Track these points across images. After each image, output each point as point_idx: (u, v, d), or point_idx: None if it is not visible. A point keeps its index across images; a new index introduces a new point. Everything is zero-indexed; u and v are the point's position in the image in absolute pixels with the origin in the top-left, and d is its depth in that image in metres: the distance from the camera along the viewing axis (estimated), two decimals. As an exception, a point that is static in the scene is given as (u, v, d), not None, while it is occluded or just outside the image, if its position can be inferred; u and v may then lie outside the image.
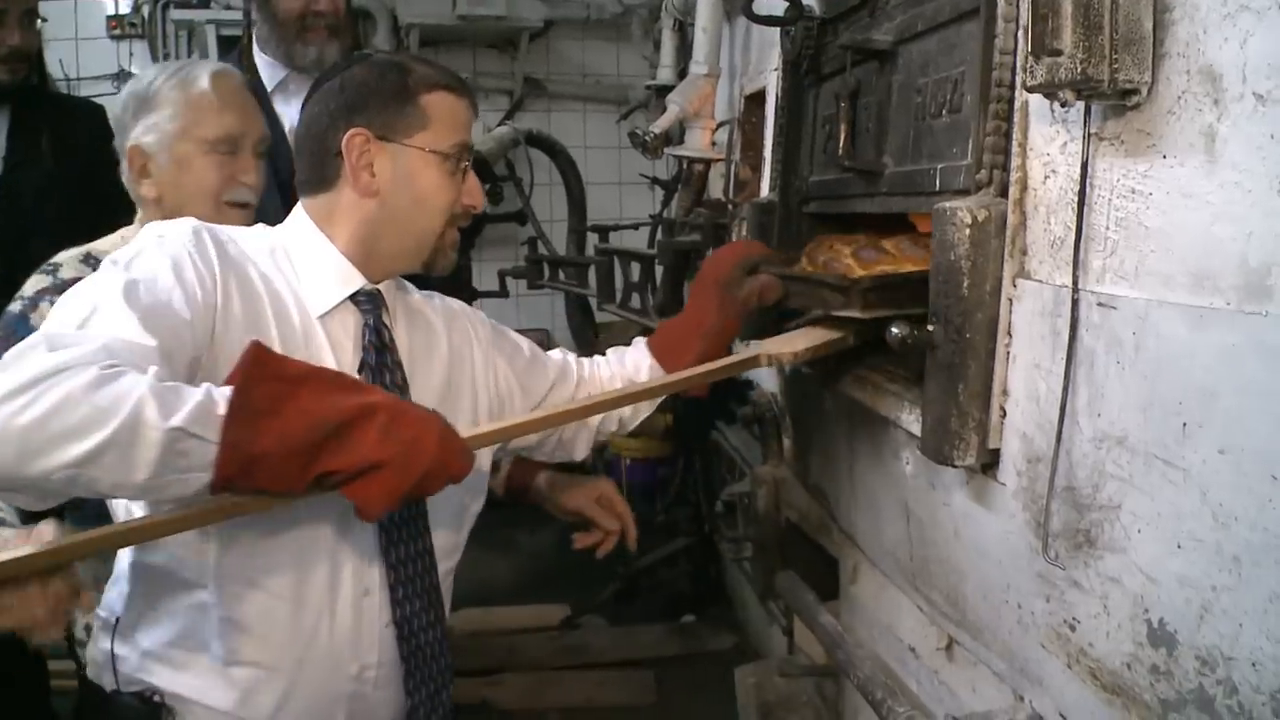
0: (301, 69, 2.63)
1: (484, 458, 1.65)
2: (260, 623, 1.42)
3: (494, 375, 1.73)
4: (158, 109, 1.85)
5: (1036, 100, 1.28)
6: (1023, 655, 1.40)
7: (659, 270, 3.10)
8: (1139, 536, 1.13)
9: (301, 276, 1.48)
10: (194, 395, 1.14)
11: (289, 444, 1.16)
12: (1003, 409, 1.37)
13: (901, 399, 1.67)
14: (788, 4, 2.13)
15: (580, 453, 1.88)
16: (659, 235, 3.57)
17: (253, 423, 1.14)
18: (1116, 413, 1.15)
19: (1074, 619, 1.26)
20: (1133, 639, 1.15)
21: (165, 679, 1.43)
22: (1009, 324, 1.35)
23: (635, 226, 3.92)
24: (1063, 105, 1.19)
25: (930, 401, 1.41)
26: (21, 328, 1.74)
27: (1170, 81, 1.07)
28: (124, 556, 1.47)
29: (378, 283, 1.54)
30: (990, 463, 1.40)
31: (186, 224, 1.41)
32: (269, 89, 2.65)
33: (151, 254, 1.33)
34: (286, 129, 2.62)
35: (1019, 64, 1.33)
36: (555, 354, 1.91)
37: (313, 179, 1.53)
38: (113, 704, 1.45)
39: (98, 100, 3.05)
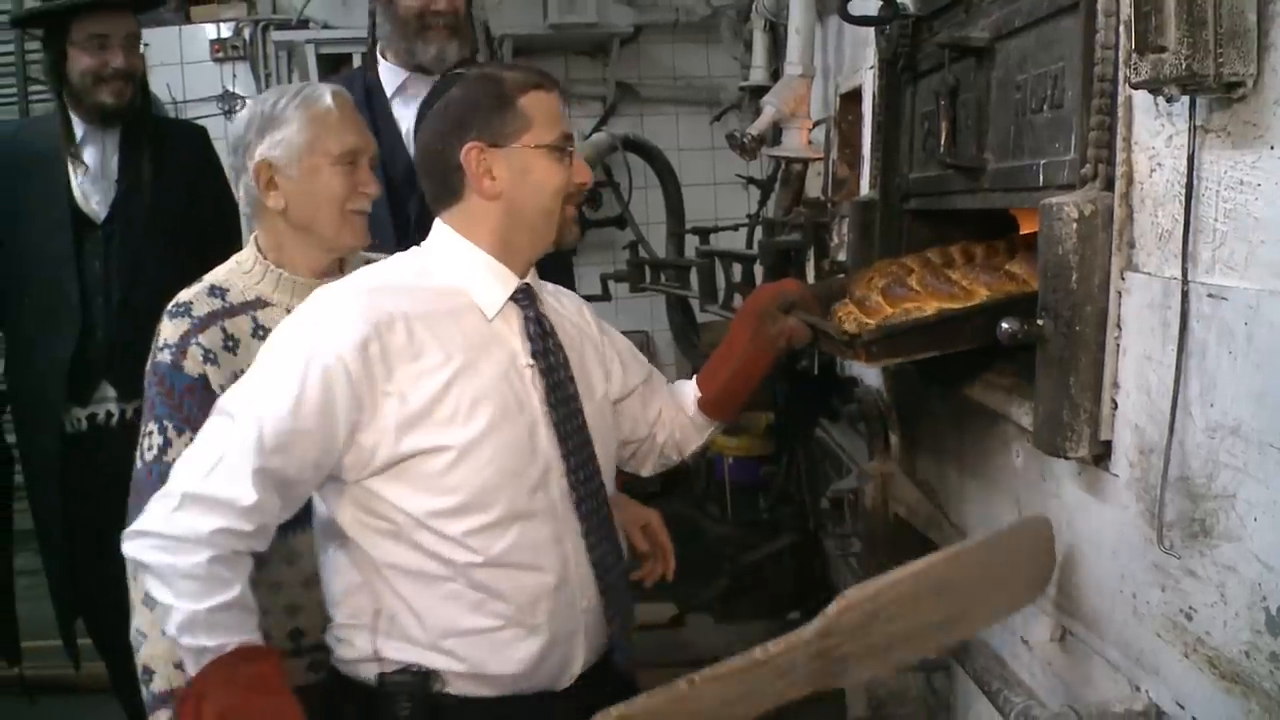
0: (423, 67, 2.72)
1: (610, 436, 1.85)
2: (519, 594, 1.62)
3: (608, 350, 1.91)
4: (285, 125, 1.91)
5: (1140, 95, 1.29)
6: (1138, 645, 1.40)
7: (759, 270, 3.12)
8: (1255, 525, 1.14)
9: (465, 289, 1.67)
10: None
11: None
12: (1114, 401, 1.38)
13: (1011, 393, 1.69)
14: (883, 3, 2.15)
15: (646, 470, 2.04)
16: (758, 235, 3.59)
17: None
18: (1229, 403, 1.16)
19: (1190, 608, 1.27)
20: (1251, 627, 1.16)
21: (430, 659, 1.61)
22: (1118, 317, 1.36)
23: (735, 228, 3.94)
24: (1168, 100, 1.20)
25: (1042, 395, 1.43)
26: (176, 377, 1.85)
27: (1276, 73, 1.08)
28: (353, 568, 1.65)
29: (524, 276, 1.72)
30: (1102, 454, 1.41)
31: (349, 332, 1.56)
32: (389, 94, 2.75)
33: (295, 372, 1.54)
34: (404, 130, 2.72)
35: (1121, 59, 1.34)
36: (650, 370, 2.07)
37: (442, 194, 1.71)
38: (383, 685, 1.62)
39: (202, 121, 3.18)
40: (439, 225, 1.72)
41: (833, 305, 1.97)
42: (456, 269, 1.68)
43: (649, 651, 3.75)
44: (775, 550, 4.01)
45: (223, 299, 1.93)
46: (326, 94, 1.94)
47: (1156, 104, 1.28)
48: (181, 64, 5.09)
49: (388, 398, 1.56)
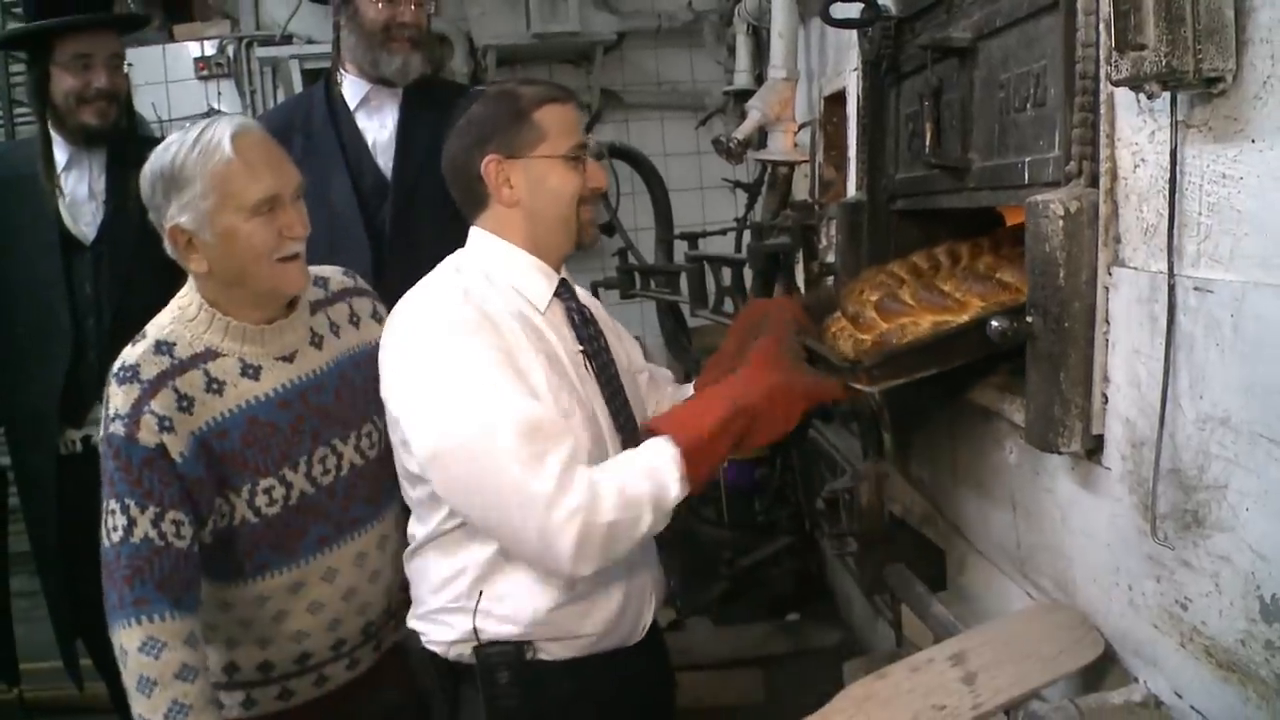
0: (385, 79, 2.76)
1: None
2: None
3: (621, 330, 2.08)
4: (188, 186, 1.78)
5: (1122, 92, 1.31)
6: (1135, 636, 1.42)
7: (748, 274, 3.14)
8: (1247, 514, 1.15)
9: (518, 287, 1.79)
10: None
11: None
12: (1104, 395, 1.40)
13: (1003, 390, 1.71)
14: (865, 6, 2.17)
15: None
16: (747, 239, 3.61)
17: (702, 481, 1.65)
18: (1219, 394, 1.18)
19: (1185, 598, 1.28)
20: (1245, 615, 1.17)
21: (525, 631, 1.75)
22: (1107, 312, 1.37)
23: (724, 232, 3.96)
24: (1149, 96, 1.22)
25: (1033, 391, 1.44)
26: (132, 450, 1.76)
27: (1255, 67, 1.10)
28: (452, 557, 1.78)
29: (559, 272, 1.85)
30: (1094, 448, 1.43)
31: (457, 319, 1.69)
32: (352, 106, 2.80)
33: (488, 366, 1.65)
34: (370, 142, 2.75)
35: (1102, 56, 1.36)
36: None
37: (470, 202, 1.84)
38: (482, 659, 1.76)
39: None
40: (475, 232, 1.84)
41: (824, 320, 1.98)
42: (508, 269, 1.80)
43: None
44: (772, 552, 4.02)
45: (170, 355, 1.83)
46: (226, 141, 1.78)
47: (1138, 100, 1.29)
48: (166, 83, 5.09)
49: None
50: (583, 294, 1.97)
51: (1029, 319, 1.42)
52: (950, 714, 1.40)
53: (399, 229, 2.72)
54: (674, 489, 1.60)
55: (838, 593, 3.91)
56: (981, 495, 1.89)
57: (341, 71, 2.84)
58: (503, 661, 1.75)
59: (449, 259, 1.85)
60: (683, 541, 4.46)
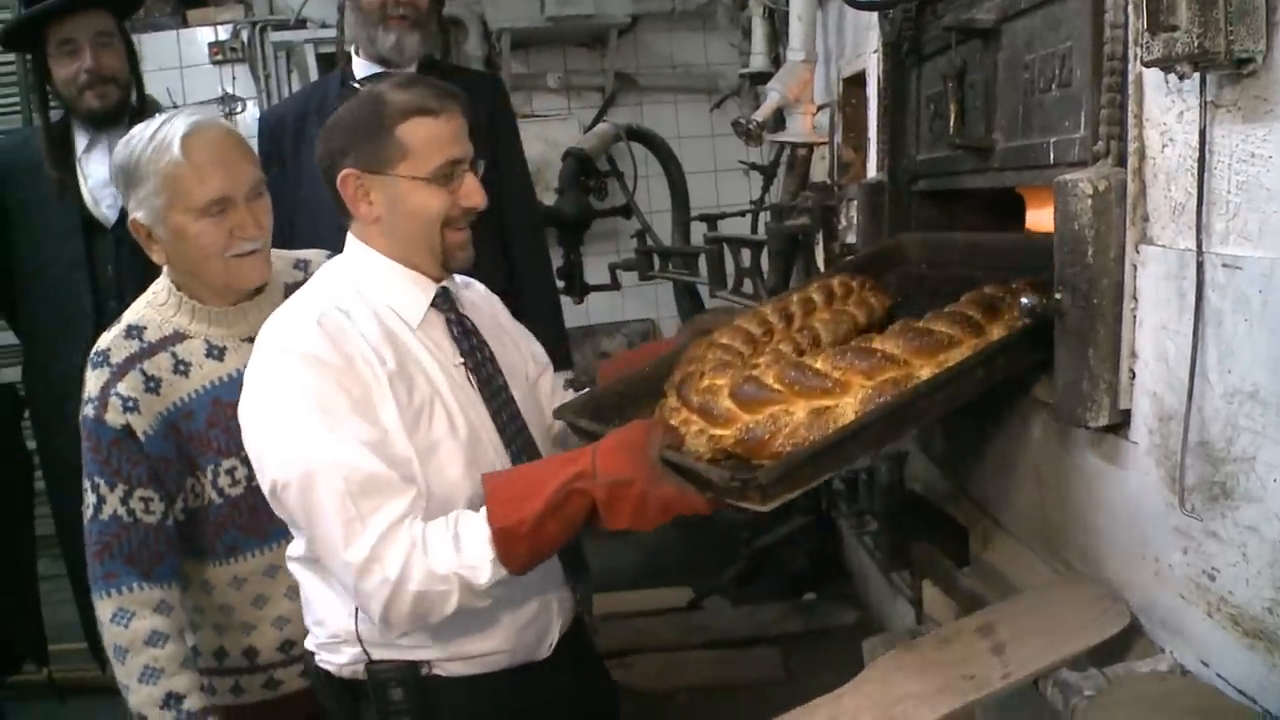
0: (384, 59, 2.77)
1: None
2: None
3: (519, 334, 1.98)
4: (143, 184, 1.82)
5: (1151, 72, 1.33)
6: (1162, 607, 1.44)
7: (765, 255, 3.16)
8: (1275, 485, 1.18)
9: (388, 303, 1.68)
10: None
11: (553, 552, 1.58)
12: (1131, 371, 1.42)
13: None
14: (886, -11, 2.19)
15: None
16: (765, 220, 3.63)
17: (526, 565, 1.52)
18: (1247, 368, 1.20)
19: (1213, 569, 1.31)
20: (1273, 584, 1.20)
21: (416, 652, 1.65)
22: (1134, 289, 1.40)
23: (742, 214, 3.98)
24: (1179, 77, 1.24)
25: (1062, 367, 1.47)
26: (101, 430, 1.83)
27: (1285, 48, 1.12)
28: (331, 587, 1.67)
29: (440, 279, 1.73)
30: (1121, 423, 1.45)
31: (307, 352, 1.57)
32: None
33: (339, 404, 1.54)
34: None
35: (1131, 37, 1.38)
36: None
37: (341, 210, 1.70)
38: (374, 676, 1.66)
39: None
40: (349, 238, 1.73)
41: (648, 406, 1.81)
42: (377, 284, 1.68)
43: (667, 634, 3.81)
44: (789, 532, 4.06)
45: (140, 339, 1.89)
46: (176, 143, 1.80)
47: (1167, 81, 1.31)
48: (180, 68, 5.09)
49: (381, 408, 1.59)
50: (478, 294, 1.91)
51: (1058, 296, 1.44)
52: (980, 683, 1.43)
53: None
54: (484, 573, 1.49)
55: (855, 572, 3.94)
56: (1006, 472, 1.91)
57: (353, 55, 2.87)
58: (395, 678, 1.66)
59: (330, 265, 1.76)
60: (700, 522, 4.49)
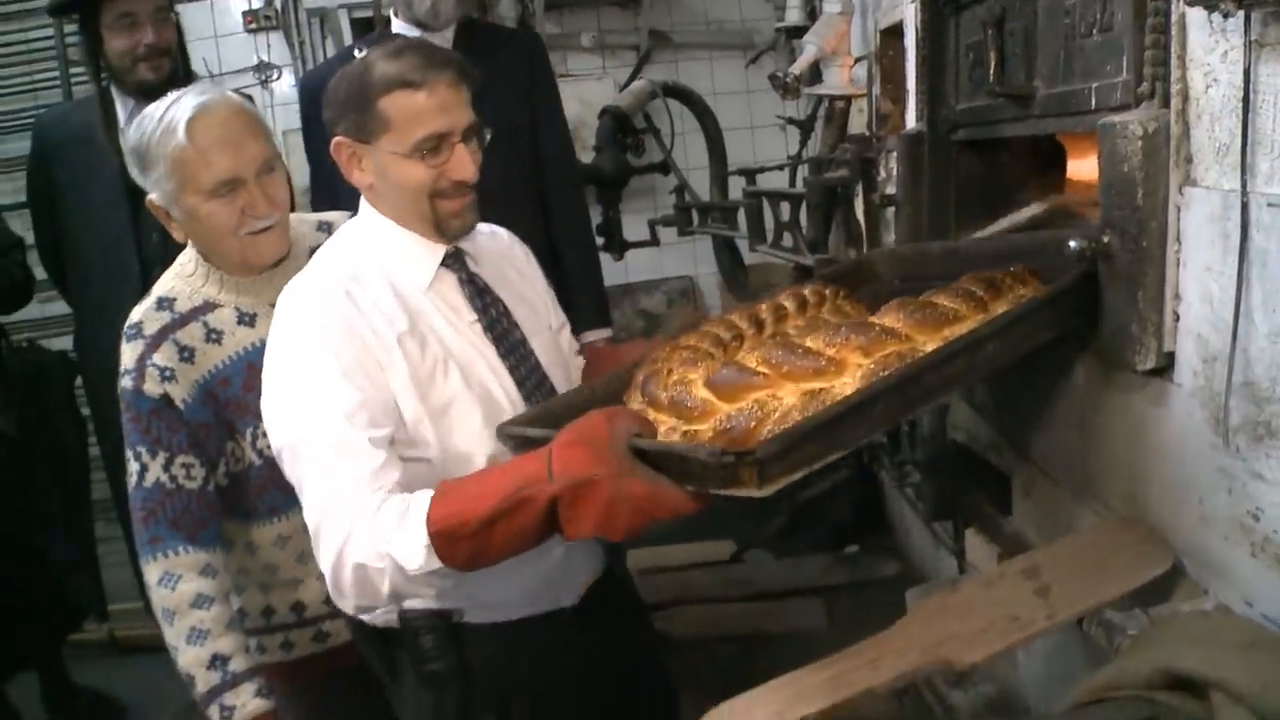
0: (421, 23, 2.77)
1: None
2: None
3: (542, 284, 1.98)
4: (155, 166, 1.85)
5: (1194, 12, 1.32)
6: (1206, 548, 1.45)
7: (804, 209, 3.15)
8: (1320, 424, 1.19)
9: (396, 266, 1.70)
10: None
11: (505, 559, 1.46)
12: (1176, 313, 1.43)
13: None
14: (925, -63, 2.18)
15: None
16: (804, 174, 3.62)
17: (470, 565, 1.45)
18: (1292, 307, 1.21)
19: (1257, 508, 1.32)
20: (1318, 523, 1.21)
21: (446, 601, 1.65)
22: (1178, 231, 1.40)
23: (780, 167, 3.97)
24: (1224, 16, 1.23)
25: (1109, 309, 1.47)
26: (140, 401, 1.88)
27: (1331, -16, 1.12)
28: None
29: (453, 240, 1.74)
30: (1166, 365, 1.46)
31: (307, 322, 1.62)
32: None
33: (332, 373, 1.57)
34: None
35: (1174, -22, 1.37)
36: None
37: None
38: (406, 624, 1.68)
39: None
40: (361, 200, 1.76)
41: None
42: (385, 248, 1.71)
43: (710, 587, 3.85)
44: (831, 485, 4.07)
45: (171, 310, 1.93)
46: (181, 126, 1.82)
47: (1210, 20, 1.30)
48: (216, 37, 5.10)
49: (391, 372, 1.61)
50: (501, 244, 1.91)
51: (1105, 239, 1.45)
52: (1024, 624, 1.44)
53: None
54: (415, 561, 1.43)
55: (896, 525, 3.96)
56: (1049, 418, 1.92)
57: (394, 18, 2.88)
58: (426, 626, 1.68)
59: (345, 227, 1.79)
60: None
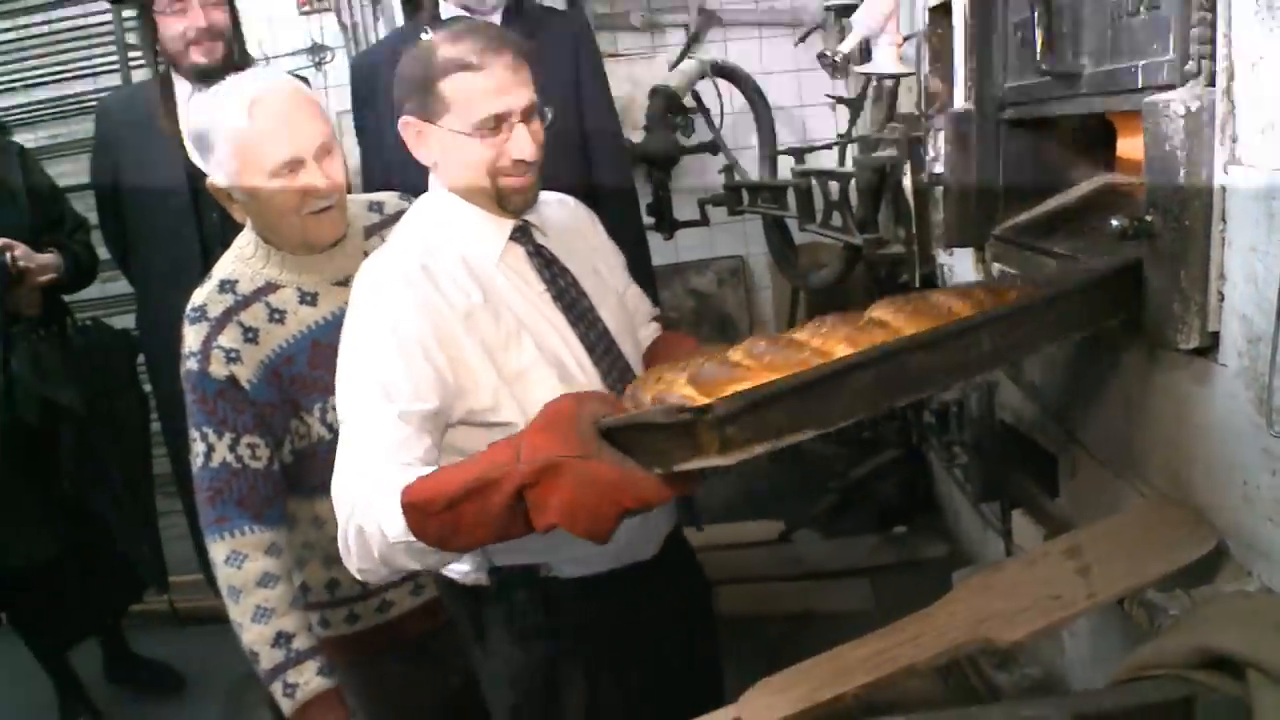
0: (466, 4, 2.81)
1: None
2: None
3: (608, 249, 2.03)
4: (216, 149, 1.89)
5: (1240, -10, 1.31)
6: (1249, 530, 1.45)
7: (854, 187, 3.14)
8: (1365, 404, 1.18)
9: (466, 242, 1.76)
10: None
11: (477, 544, 1.47)
12: (1220, 293, 1.42)
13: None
14: (973, -86, 2.16)
15: None
16: (853, 153, 3.61)
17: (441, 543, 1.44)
18: (1336, 288, 1.20)
19: (1302, 490, 1.32)
20: (1362, 504, 1.21)
21: (537, 555, 1.75)
22: (1223, 210, 1.39)
23: (829, 146, 3.96)
24: (1269, -6, 1.22)
25: (1152, 289, 1.47)
26: (206, 383, 1.92)
27: (1378, -39, 1.10)
28: None
29: (519, 214, 1.79)
30: (1210, 345, 1.45)
31: (397, 304, 1.64)
32: None
33: (388, 348, 1.61)
34: None
35: (1220, -45, 1.36)
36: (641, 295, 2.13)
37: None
38: (497, 579, 1.78)
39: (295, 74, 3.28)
40: (431, 177, 1.82)
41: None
42: (454, 224, 1.77)
43: (759, 566, 3.87)
44: (880, 466, 4.08)
45: (233, 292, 1.97)
46: (241, 110, 1.86)
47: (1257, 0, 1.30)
48: (269, 20, 5.16)
49: (461, 346, 1.65)
50: (567, 213, 1.95)
51: (1148, 218, 1.44)
52: (1065, 603, 1.45)
53: None
54: (394, 530, 1.43)
55: (945, 506, 3.95)
56: (1095, 398, 1.91)
57: (442, 3, 2.90)
58: (518, 582, 1.77)
59: (418, 203, 1.84)
60: (791, 455, 4.53)
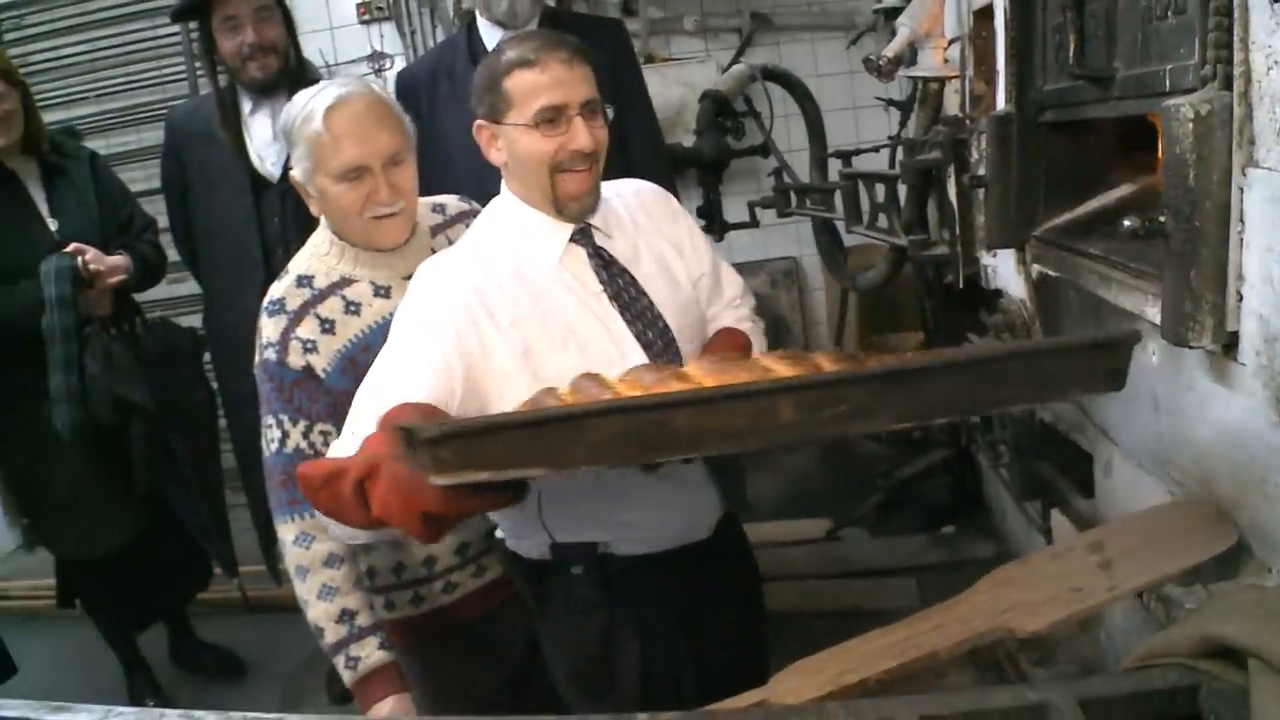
0: (500, 22, 2.89)
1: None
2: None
3: (683, 236, 2.06)
4: (296, 146, 2.02)
5: (1256, -4, 1.34)
6: (1271, 528, 1.47)
7: (901, 189, 3.17)
8: (1374, 403, 1.20)
9: (525, 244, 1.86)
10: None
11: (359, 525, 1.49)
12: (1239, 293, 1.45)
13: (1145, 293, 1.75)
14: (1010, -81, 2.18)
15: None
16: (899, 156, 3.63)
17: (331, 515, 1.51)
18: (1348, 288, 1.22)
19: (1318, 487, 1.34)
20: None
21: (597, 532, 1.90)
22: (1241, 212, 1.42)
23: (876, 149, 3.98)
24: (1281, -1, 1.25)
25: (1167, 288, 1.50)
26: (283, 372, 2.02)
27: (1382, -32, 1.13)
28: None
29: (580, 219, 1.88)
30: (1230, 344, 1.48)
31: (445, 312, 1.76)
32: (491, 47, 2.84)
33: (417, 337, 1.74)
34: None
35: (1237, -39, 1.38)
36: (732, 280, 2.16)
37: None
38: (557, 554, 1.91)
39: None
40: (501, 183, 1.93)
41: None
42: (515, 227, 1.88)
43: (806, 564, 3.90)
44: (928, 466, 4.09)
45: (310, 286, 2.07)
46: (319, 114, 1.97)
47: (1271, 4, 1.32)
48: (331, 29, 5.29)
49: (494, 352, 1.75)
50: (635, 204, 2.00)
51: (1161, 219, 1.47)
52: (1085, 596, 1.48)
53: None
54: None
55: (993, 506, 3.95)
56: (1126, 396, 1.93)
57: (479, 16, 2.99)
58: (577, 556, 1.90)
59: (490, 206, 1.95)
60: (839, 455, 4.56)
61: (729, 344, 2.00)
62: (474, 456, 1.17)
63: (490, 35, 2.94)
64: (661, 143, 3.28)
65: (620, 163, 2.89)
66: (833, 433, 1.32)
